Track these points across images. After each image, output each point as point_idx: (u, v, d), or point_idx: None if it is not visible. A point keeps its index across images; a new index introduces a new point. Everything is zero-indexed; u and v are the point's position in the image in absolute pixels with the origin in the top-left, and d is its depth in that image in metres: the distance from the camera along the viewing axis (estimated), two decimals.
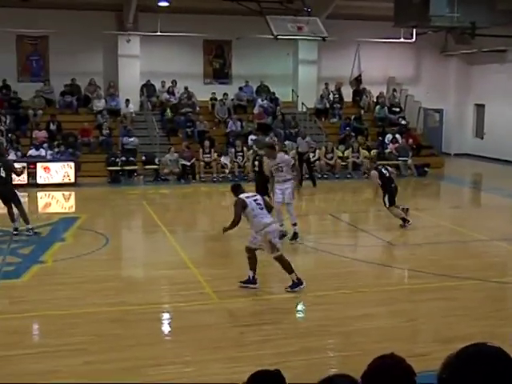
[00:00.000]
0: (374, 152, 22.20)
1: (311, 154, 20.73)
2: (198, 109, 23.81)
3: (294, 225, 12.16)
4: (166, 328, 8.25)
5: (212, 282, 9.57)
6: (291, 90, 25.77)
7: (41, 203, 18.03)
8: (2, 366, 6.65)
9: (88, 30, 22.28)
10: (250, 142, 21.87)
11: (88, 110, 23.29)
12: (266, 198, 12.30)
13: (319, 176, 21.13)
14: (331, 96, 25.42)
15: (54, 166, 19.53)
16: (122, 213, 16.58)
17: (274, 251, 9.08)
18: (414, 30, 24.53)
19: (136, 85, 23.89)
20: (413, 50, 26.33)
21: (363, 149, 22.34)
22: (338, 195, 20.07)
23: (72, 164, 19.70)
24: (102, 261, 11.12)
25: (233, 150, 21.44)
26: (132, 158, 20.77)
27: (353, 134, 23.29)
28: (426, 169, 22.30)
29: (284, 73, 25.46)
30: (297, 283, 9.03)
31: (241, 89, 24.87)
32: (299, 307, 8.97)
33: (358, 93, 25.95)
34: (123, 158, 20.53)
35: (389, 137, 23.37)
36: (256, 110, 23.95)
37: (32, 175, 19.20)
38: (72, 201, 18.20)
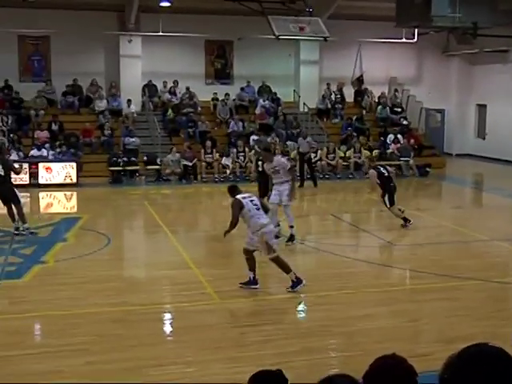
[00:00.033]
0: (375, 152, 22.17)
1: (313, 155, 20.73)
2: (199, 109, 23.82)
3: (291, 227, 12.08)
4: (167, 328, 8.26)
5: (213, 282, 9.57)
6: (293, 90, 25.77)
7: (42, 203, 18.06)
8: (4, 366, 6.65)
9: (90, 30, 22.30)
10: (251, 143, 21.87)
11: (90, 111, 23.31)
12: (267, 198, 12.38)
13: (321, 176, 21.13)
14: (333, 96, 25.42)
15: (56, 167, 19.54)
16: (123, 213, 16.59)
17: (271, 252, 9.06)
18: (416, 30, 24.50)
19: (138, 85, 23.91)
20: (414, 50, 26.32)
21: (365, 149, 22.33)
22: (340, 195, 20.05)
23: (74, 164, 19.70)
24: (103, 261, 11.13)
25: (234, 150, 21.44)
26: (134, 159, 20.78)
27: (354, 134, 23.28)
28: (428, 169, 22.28)
29: (286, 73, 25.46)
30: (296, 282, 9.02)
31: (242, 89, 24.88)
32: (300, 307, 8.97)
33: (360, 93, 25.94)
34: (125, 159, 20.54)
35: (390, 137, 23.37)
36: (258, 111, 23.95)
37: (34, 175, 19.22)
38: (74, 201, 18.20)
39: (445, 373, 2.06)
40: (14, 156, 19.44)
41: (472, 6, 19.73)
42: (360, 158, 21.96)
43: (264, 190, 13.54)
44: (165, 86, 24.20)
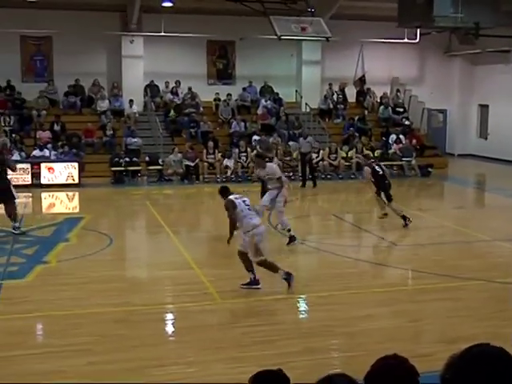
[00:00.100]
0: (377, 152, 22.17)
1: (314, 155, 20.73)
2: (201, 109, 23.84)
3: (289, 230, 12.09)
4: (169, 328, 8.27)
5: (215, 282, 9.58)
6: (295, 90, 25.78)
7: (45, 204, 18.07)
8: (6, 366, 6.66)
9: (92, 30, 22.32)
10: (253, 143, 21.86)
11: (92, 111, 23.34)
12: None
13: (323, 176, 21.14)
14: (335, 96, 25.42)
15: (58, 167, 19.56)
16: (125, 213, 16.60)
17: (257, 256, 9.02)
18: (418, 31, 24.49)
19: (140, 85, 23.92)
20: (416, 50, 26.31)
21: (367, 149, 22.30)
22: (342, 196, 20.06)
23: (76, 164, 19.71)
24: (105, 261, 11.13)
25: (236, 150, 21.44)
26: (135, 159, 20.79)
27: (356, 134, 23.27)
28: (430, 169, 22.27)
29: (288, 73, 25.46)
30: (287, 278, 8.99)
31: (244, 89, 24.88)
32: (302, 307, 8.97)
33: (362, 93, 25.94)
34: (127, 159, 20.54)
35: (392, 137, 23.37)
36: (260, 111, 23.96)
37: (36, 176, 19.24)
38: (76, 201, 18.22)
39: (446, 373, 2.06)
40: (16, 156, 19.47)
41: (474, 6, 19.70)
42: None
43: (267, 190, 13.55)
44: (167, 87, 24.22)
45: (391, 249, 12.55)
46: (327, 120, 24.84)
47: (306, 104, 24.66)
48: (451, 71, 27.58)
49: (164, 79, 24.08)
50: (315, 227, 15.26)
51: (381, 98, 25.63)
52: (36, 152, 20.30)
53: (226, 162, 20.91)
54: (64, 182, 19.42)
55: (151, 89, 24.10)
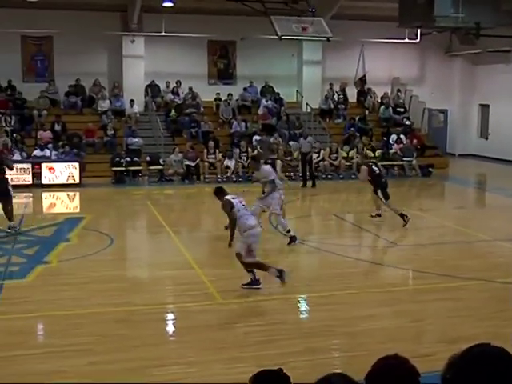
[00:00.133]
0: (378, 152, 22.17)
1: (315, 155, 20.72)
2: (202, 109, 23.85)
3: (288, 231, 12.10)
4: (170, 328, 8.26)
5: (216, 282, 9.58)
6: (296, 90, 25.78)
7: (45, 203, 18.07)
8: (7, 366, 6.66)
9: (92, 30, 22.32)
10: (254, 143, 21.87)
11: (92, 111, 23.34)
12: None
13: (323, 176, 21.14)
14: (336, 96, 25.41)
15: (59, 167, 19.56)
16: (126, 213, 16.60)
17: (248, 256, 9.07)
18: (419, 31, 24.49)
19: (140, 85, 23.93)
20: (417, 50, 26.30)
21: (368, 149, 22.31)
22: (342, 195, 20.05)
23: (77, 164, 19.72)
24: (106, 261, 11.13)
25: (237, 150, 21.44)
26: (136, 159, 20.79)
27: (357, 134, 23.26)
28: (431, 169, 22.27)
29: (288, 73, 25.46)
30: (279, 275, 9.06)
31: (245, 89, 24.88)
32: (303, 307, 8.97)
33: (363, 93, 25.94)
34: (128, 159, 20.55)
35: (393, 137, 23.36)
36: (260, 111, 23.96)
37: (37, 176, 19.24)
38: (77, 201, 18.23)
39: (447, 373, 2.06)
40: (16, 156, 19.49)
41: (475, 6, 19.70)
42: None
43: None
44: (167, 86, 24.22)
45: (392, 249, 12.54)
46: (328, 120, 24.83)
47: (307, 104, 24.67)
48: (452, 71, 27.58)
49: (165, 79, 24.08)
50: (316, 227, 15.26)
51: (381, 97, 25.62)
52: (37, 152, 20.30)
53: (227, 162, 20.92)
54: (65, 181, 19.43)
55: (152, 89, 24.11)
